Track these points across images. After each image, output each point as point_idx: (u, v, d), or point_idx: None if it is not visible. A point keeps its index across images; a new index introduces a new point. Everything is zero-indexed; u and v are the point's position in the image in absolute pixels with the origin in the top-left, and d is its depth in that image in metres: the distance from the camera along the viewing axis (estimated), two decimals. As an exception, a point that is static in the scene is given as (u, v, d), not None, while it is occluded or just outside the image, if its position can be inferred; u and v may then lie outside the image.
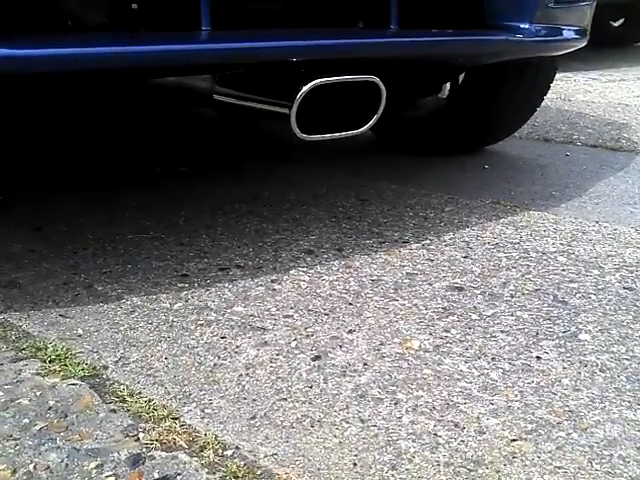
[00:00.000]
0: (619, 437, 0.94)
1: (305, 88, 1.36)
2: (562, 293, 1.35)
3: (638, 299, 1.33)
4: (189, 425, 0.96)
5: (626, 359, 1.13)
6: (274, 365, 1.11)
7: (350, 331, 1.21)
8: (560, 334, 1.20)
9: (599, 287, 1.37)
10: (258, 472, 0.88)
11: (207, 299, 1.32)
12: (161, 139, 2.60)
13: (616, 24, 5.36)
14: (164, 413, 0.98)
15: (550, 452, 0.92)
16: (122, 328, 1.21)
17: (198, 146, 2.49)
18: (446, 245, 1.58)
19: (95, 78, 1.46)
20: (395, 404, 1.01)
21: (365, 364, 1.11)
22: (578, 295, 1.34)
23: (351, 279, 1.40)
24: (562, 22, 1.81)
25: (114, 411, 0.99)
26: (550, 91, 2.23)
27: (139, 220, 1.70)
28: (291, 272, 1.43)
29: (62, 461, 0.89)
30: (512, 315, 1.27)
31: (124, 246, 1.54)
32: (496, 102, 2.14)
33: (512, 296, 1.34)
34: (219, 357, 1.13)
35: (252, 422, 0.97)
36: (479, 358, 1.13)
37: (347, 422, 0.97)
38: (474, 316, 1.26)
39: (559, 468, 0.89)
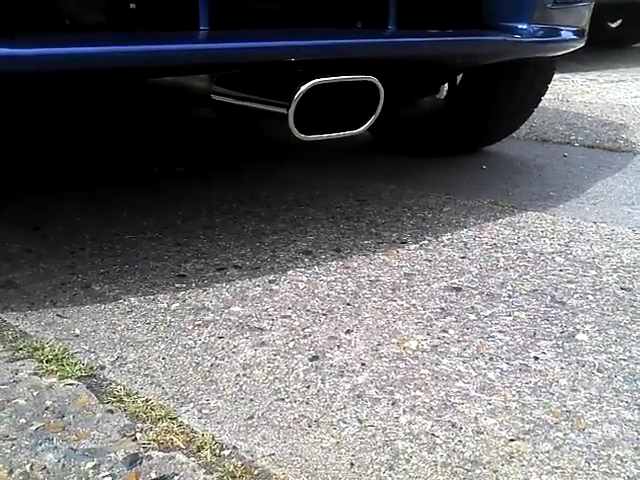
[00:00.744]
0: (617, 437, 0.94)
1: (303, 88, 1.36)
2: (560, 293, 1.35)
3: (635, 299, 1.33)
4: (186, 425, 0.96)
5: (623, 359, 1.13)
6: (272, 365, 1.11)
7: (348, 331, 1.21)
8: (558, 334, 1.20)
9: (597, 287, 1.38)
10: (255, 472, 0.88)
11: (205, 299, 1.32)
12: (159, 139, 2.60)
13: (614, 25, 5.38)
14: (161, 413, 0.98)
15: (548, 452, 0.92)
16: (119, 328, 1.21)
17: (196, 146, 2.49)
18: (444, 245, 1.58)
19: (93, 78, 1.46)
20: (393, 404, 1.01)
21: (363, 364, 1.11)
22: (576, 295, 1.34)
23: (349, 279, 1.40)
24: (560, 23, 1.82)
25: (111, 411, 0.99)
26: (548, 92, 2.23)
27: (137, 220, 1.70)
28: (289, 272, 1.43)
29: (59, 461, 0.89)
30: (510, 315, 1.27)
31: (122, 246, 1.54)
32: (494, 103, 2.14)
33: (510, 296, 1.34)
34: (216, 357, 1.13)
35: (249, 422, 0.97)
36: (477, 358, 1.13)
37: (344, 422, 0.97)
38: (472, 316, 1.26)
39: (557, 468, 0.89)
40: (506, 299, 1.33)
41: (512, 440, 0.94)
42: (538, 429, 0.96)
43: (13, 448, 0.91)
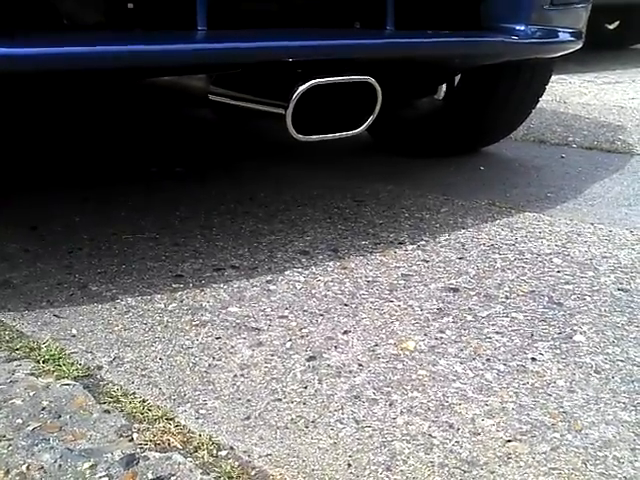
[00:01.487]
0: (614, 438, 0.94)
1: (301, 88, 1.36)
2: (557, 294, 1.35)
3: (633, 301, 1.33)
4: (183, 426, 0.96)
5: (621, 360, 1.13)
6: (269, 366, 1.10)
7: (345, 332, 1.21)
8: (555, 335, 1.20)
9: (594, 288, 1.38)
10: (252, 473, 0.88)
11: (202, 299, 1.31)
12: (157, 139, 2.59)
13: (611, 27, 5.38)
14: (158, 413, 0.98)
15: (545, 453, 0.92)
16: (116, 328, 1.21)
17: (194, 146, 2.49)
18: (441, 246, 1.58)
19: (92, 77, 1.46)
20: (390, 405, 1.01)
21: (360, 365, 1.11)
22: (573, 297, 1.34)
23: (346, 280, 1.40)
24: (558, 24, 1.82)
25: (108, 411, 0.99)
26: (545, 93, 2.24)
27: (135, 220, 1.70)
28: (286, 273, 1.43)
29: (55, 461, 0.89)
30: (507, 316, 1.27)
31: (119, 246, 1.54)
32: (492, 104, 2.14)
33: (507, 297, 1.34)
34: (214, 357, 1.13)
35: (246, 423, 0.97)
36: (474, 359, 1.13)
37: (342, 423, 0.97)
38: (469, 317, 1.26)
39: (554, 469, 0.89)
40: (503, 300, 1.33)
41: (509, 441, 0.94)
42: (535, 430, 0.96)
43: (9, 448, 0.91)
